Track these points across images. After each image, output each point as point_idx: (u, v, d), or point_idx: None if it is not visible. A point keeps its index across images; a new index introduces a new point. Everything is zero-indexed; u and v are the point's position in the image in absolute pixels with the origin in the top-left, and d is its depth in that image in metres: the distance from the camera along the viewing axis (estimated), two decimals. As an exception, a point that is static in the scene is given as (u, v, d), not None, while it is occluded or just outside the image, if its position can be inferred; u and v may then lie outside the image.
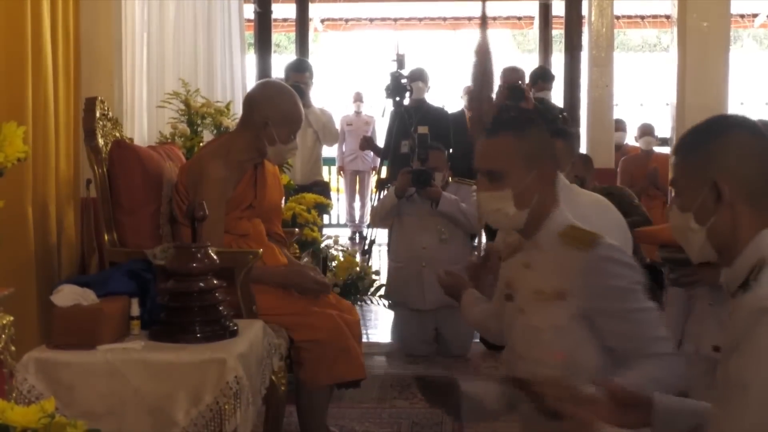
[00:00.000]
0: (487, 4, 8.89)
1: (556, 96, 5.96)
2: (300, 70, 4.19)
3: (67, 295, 1.77)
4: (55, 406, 1.60)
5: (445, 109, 4.50)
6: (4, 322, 1.58)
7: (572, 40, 4.80)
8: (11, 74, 1.92)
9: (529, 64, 4.57)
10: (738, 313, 1.06)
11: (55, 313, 1.75)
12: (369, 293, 3.39)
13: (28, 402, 1.65)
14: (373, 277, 3.39)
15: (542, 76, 4.32)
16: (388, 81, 4.08)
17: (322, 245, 3.33)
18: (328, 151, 4.98)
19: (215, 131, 2.90)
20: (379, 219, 3.61)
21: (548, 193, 1.51)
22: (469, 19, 8.19)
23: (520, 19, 8.38)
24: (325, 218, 3.59)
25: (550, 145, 1.56)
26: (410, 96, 4.16)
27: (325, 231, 4.04)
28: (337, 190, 7.29)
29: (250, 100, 2.29)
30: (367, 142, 4.77)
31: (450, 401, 1.50)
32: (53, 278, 2.07)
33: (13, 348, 1.61)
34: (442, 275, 1.89)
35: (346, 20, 8.56)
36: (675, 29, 4.28)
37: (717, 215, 1.14)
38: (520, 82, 3.92)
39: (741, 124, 1.17)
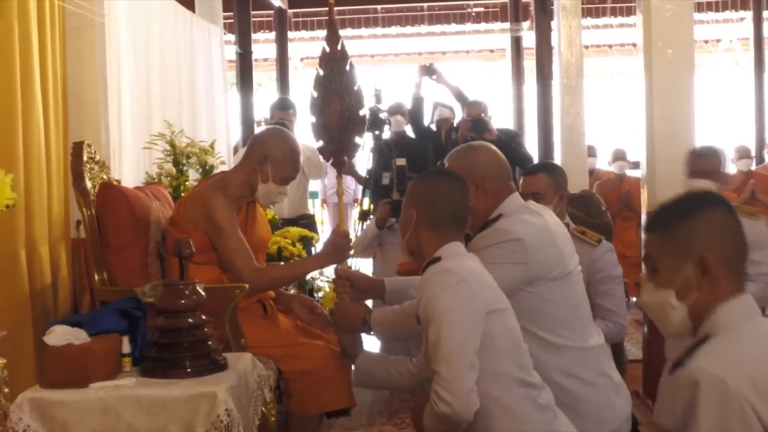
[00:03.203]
0: (462, 37, 8.95)
1: (530, 125, 6.07)
2: (284, 108, 4.29)
3: (59, 335, 1.80)
4: (50, 444, 1.63)
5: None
6: (-2, 364, 1.60)
7: (543, 70, 4.96)
8: (3, 124, 1.96)
9: (502, 94, 4.71)
10: (677, 390, 1.07)
11: (48, 353, 1.78)
12: (355, 322, 3.42)
13: (23, 442, 1.68)
14: (359, 306, 3.44)
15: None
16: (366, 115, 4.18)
17: (308, 277, 3.38)
18: (312, 184, 5.05)
19: (200, 170, 2.98)
20: (361, 249, 3.67)
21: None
22: (444, 53, 8.43)
23: (492, 51, 8.62)
24: (313, 251, 3.65)
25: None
26: (390, 129, 4.27)
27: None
28: (321, 222, 7.35)
29: (255, 138, 2.41)
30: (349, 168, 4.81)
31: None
32: (49, 318, 2.09)
33: (6, 389, 1.61)
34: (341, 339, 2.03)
35: (324, 58, 8.76)
36: (642, 56, 4.47)
37: (700, 290, 1.16)
38: (482, 114, 4.06)
39: (713, 199, 1.22)
